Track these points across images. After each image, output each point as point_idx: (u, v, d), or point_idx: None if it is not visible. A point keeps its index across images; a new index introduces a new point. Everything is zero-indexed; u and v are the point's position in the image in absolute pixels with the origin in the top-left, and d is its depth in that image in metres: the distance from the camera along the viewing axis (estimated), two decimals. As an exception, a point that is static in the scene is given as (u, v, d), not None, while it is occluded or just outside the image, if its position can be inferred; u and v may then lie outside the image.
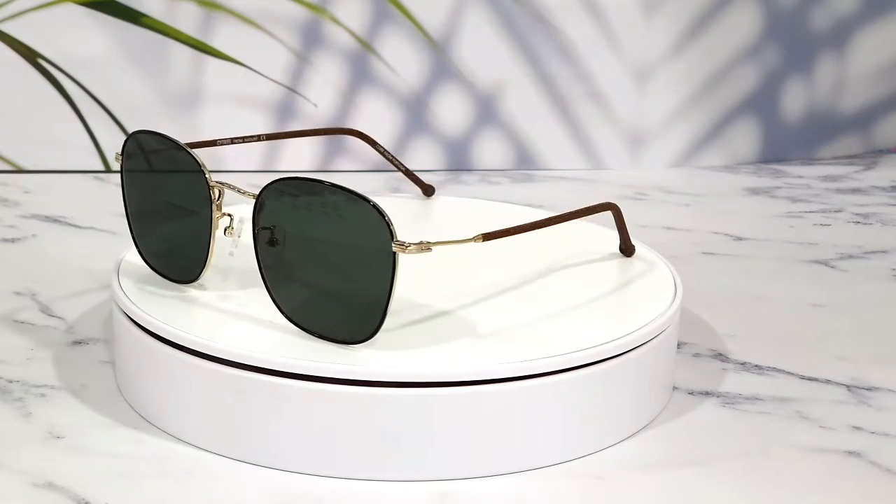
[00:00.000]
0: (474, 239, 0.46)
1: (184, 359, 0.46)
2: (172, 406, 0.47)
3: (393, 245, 0.43)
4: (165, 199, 0.51)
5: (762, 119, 0.85)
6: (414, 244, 0.43)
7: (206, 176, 0.48)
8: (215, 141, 0.58)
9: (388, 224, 0.43)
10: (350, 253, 0.45)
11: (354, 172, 0.81)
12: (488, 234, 0.46)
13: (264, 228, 0.46)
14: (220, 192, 0.48)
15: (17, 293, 0.60)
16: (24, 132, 0.79)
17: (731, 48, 0.83)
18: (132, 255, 0.53)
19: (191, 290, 0.50)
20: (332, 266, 0.45)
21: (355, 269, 0.45)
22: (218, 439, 0.46)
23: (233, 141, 0.58)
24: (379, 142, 0.81)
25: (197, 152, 0.49)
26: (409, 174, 0.64)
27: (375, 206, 0.43)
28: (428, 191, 0.64)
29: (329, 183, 0.44)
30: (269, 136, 0.62)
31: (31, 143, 0.79)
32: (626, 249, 0.55)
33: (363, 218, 0.44)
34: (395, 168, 0.63)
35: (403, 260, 0.43)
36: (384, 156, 0.63)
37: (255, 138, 0.59)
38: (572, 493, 0.45)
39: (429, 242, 0.44)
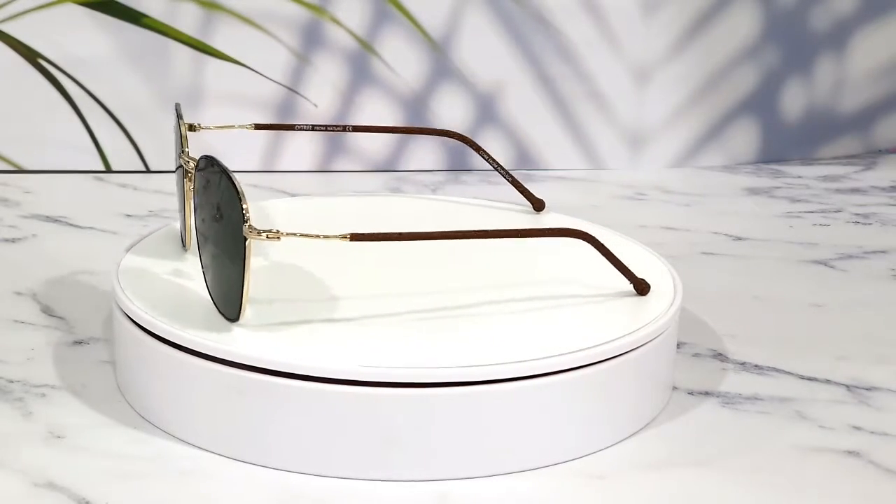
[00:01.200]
0: (341, 237, 0.46)
1: (184, 359, 0.46)
2: (172, 406, 0.47)
3: (244, 230, 0.44)
4: (176, 172, 0.54)
5: (762, 119, 0.85)
6: (265, 231, 0.44)
7: (184, 150, 0.50)
8: (293, 125, 0.58)
9: (243, 209, 0.44)
10: (225, 234, 0.46)
11: (355, 172, 0.81)
12: (356, 234, 0.46)
13: (199, 203, 0.48)
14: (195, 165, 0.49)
15: (18, 293, 0.60)
16: (25, 132, 0.79)
17: (730, 48, 0.83)
18: (132, 255, 0.53)
19: (191, 290, 0.50)
20: (217, 244, 0.47)
21: (228, 250, 0.46)
22: (218, 439, 0.46)
23: (314, 128, 0.58)
24: (379, 142, 0.82)
25: (186, 131, 0.50)
26: (518, 185, 0.60)
27: (237, 191, 0.44)
28: (539, 205, 0.60)
29: (218, 164, 0.46)
30: (356, 128, 0.60)
31: (32, 143, 0.79)
32: (639, 287, 0.50)
33: (232, 202, 0.45)
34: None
35: (262, 246, 0.45)
36: (490, 163, 0.59)
37: (340, 128, 0.58)
38: (572, 493, 0.45)
39: (279, 232, 0.45)
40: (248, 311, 0.46)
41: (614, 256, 0.50)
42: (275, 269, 0.53)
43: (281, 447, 0.45)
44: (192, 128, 0.54)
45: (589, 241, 0.49)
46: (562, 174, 0.82)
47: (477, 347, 0.46)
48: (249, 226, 0.44)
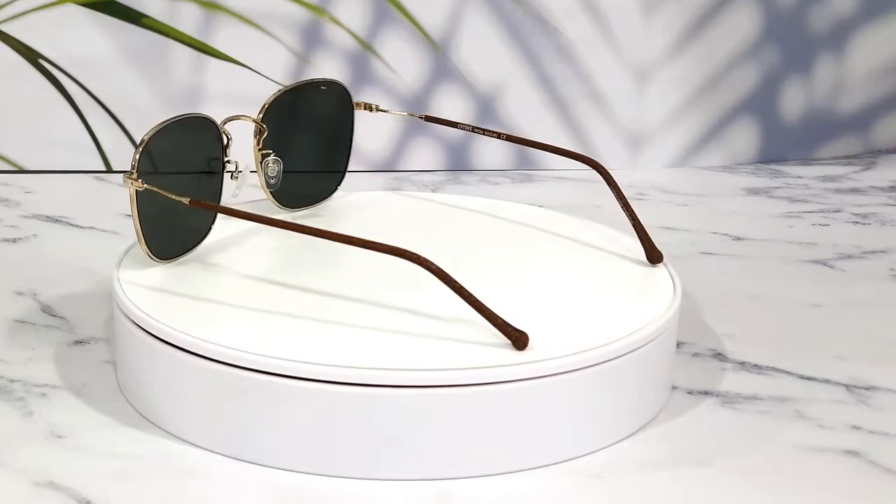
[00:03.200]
0: (189, 202, 0.50)
1: (184, 358, 0.46)
2: (173, 406, 0.47)
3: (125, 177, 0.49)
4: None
5: (761, 119, 0.85)
6: (131, 178, 0.49)
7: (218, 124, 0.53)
8: (456, 123, 0.60)
9: (132, 157, 0.49)
10: None
11: (355, 173, 0.81)
12: (194, 200, 0.50)
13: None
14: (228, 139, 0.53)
15: (18, 293, 0.60)
16: (25, 132, 0.79)
17: (730, 48, 0.83)
18: (132, 255, 0.53)
19: (191, 290, 0.50)
20: None
21: None
22: (218, 439, 0.46)
23: (473, 129, 0.59)
24: (379, 142, 0.82)
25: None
26: (642, 232, 0.54)
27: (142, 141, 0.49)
28: (655, 257, 0.54)
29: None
30: (509, 138, 0.60)
31: (32, 144, 0.79)
32: (514, 339, 0.45)
33: None
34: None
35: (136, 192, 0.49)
36: (620, 202, 0.55)
37: (494, 134, 0.58)
38: (572, 492, 0.45)
39: (141, 182, 0.49)
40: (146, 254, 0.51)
41: (479, 303, 0.46)
42: (271, 269, 0.53)
43: (281, 447, 0.45)
44: (368, 107, 0.60)
45: (425, 267, 0.46)
46: (562, 174, 0.82)
47: (477, 349, 0.46)
48: (127, 172, 0.49)
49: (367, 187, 0.78)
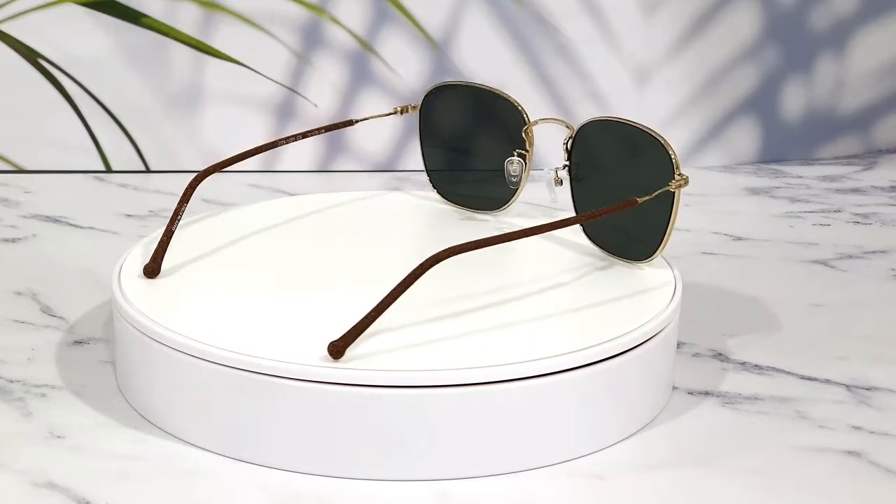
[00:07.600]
0: None
1: (183, 359, 0.46)
2: (172, 406, 0.47)
3: None
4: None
5: (762, 119, 0.85)
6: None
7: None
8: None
9: None
10: None
11: (355, 172, 0.81)
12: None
13: None
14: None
15: (18, 293, 0.60)
16: (25, 132, 0.79)
17: (731, 48, 0.83)
18: (132, 256, 0.53)
19: (191, 290, 0.50)
20: None
21: None
22: (218, 439, 0.46)
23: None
24: (379, 142, 0.82)
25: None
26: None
27: None
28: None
29: None
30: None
31: (32, 143, 0.79)
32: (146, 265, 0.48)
33: None
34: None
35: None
36: None
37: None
38: (572, 492, 0.45)
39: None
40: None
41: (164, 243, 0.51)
42: (270, 271, 0.53)
43: (281, 447, 0.45)
44: (681, 182, 0.51)
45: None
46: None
47: (476, 348, 0.46)
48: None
49: (368, 187, 0.78)
